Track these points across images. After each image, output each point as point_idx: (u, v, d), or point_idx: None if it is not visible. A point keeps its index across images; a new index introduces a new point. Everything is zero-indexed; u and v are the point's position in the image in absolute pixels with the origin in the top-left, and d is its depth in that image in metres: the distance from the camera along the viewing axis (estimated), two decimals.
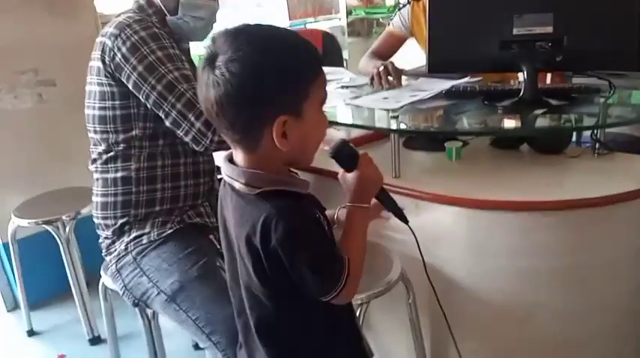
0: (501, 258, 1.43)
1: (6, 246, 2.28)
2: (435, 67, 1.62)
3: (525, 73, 1.52)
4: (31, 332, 2.28)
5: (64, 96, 2.40)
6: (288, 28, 0.93)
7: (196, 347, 2.06)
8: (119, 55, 1.35)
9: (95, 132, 1.46)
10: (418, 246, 1.14)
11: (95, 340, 2.16)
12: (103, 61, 1.38)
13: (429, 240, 1.51)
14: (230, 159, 0.93)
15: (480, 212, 1.41)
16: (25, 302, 2.28)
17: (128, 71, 1.35)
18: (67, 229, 2.08)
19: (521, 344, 1.52)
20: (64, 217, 2.07)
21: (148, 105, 1.37)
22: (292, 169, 0.97)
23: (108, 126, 1.42)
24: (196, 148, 1.39)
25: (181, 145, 1.46)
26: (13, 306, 2.47)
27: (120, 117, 1.41)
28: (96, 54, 1.41)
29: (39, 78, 2.36)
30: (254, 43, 0.82)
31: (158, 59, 1.35)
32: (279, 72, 0.82)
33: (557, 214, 1.36)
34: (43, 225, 2.07)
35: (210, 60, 0.83)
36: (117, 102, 1.40)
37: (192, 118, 1.33)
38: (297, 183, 0.91)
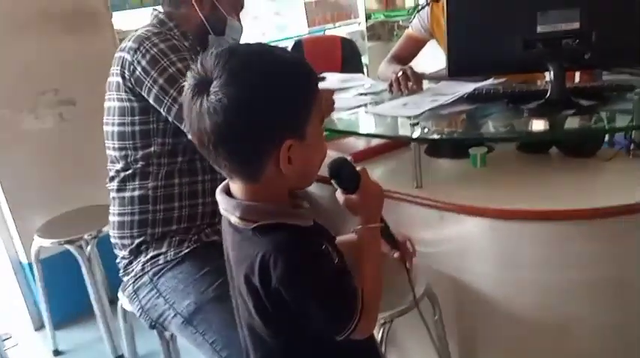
0: (532, 270, 1.35)
1: (31, 266, 2.29)
2: (455, 71, 1.55)
3: (552, 72, 1.43)
4: (57, 352, 2.28)
5: (85, 114, 2.40)
6: (278, 46, 0.88)
7: None
8: (139, 69, 1.32)
9: (114, 149, 1.43)
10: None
11: None
12: (123, 76, 1.35)
13: (455, 252, 1.45)
14: (227, 191, 0.86)
15: (509, 223, 1.33)
16: (50, 321, 2.28)
17: (149, 84, 1.32)
18: (89, 248, 2.07)
19: None
20: (85, 236, 2.06)
21: (170, 119, 1.34)
22: (296, 194, 0.91)
23: (127, 142, 1.40)
24: None
25: (200, 162, 1.43)
26: (40, 325, 2.47)
27: (139, 132, 1.38)
28: (115, 69, 1.39)
29: (59, 98, 2.36)
30: (250, 64, 0.77)
31: (179, 71, 1.31)
32: (281, 94, 0.77)
33: (591, 223, 1.27)
34: (65, 245, 2.06)
35: (202, 86, 0.75)
36: (136, 117, 1.38)
37: None
38: (298, 215, 0.84)
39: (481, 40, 1.49)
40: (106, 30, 2.52)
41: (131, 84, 1.35)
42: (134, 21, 2.81)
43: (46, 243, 2.08)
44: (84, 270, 2.06)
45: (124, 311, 1.58)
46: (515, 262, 1.36)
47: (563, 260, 1.32)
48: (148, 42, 1.33)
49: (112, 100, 1.41)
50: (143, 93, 1.34)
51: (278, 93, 0.76)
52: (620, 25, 1.41)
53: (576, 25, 1.39)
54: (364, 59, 3.73)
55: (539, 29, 1.41)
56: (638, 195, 1.26)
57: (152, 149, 1.39)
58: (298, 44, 3.11)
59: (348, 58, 3.15)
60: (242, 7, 1.56)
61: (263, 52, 0.80)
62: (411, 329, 1.57)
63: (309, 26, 3.77)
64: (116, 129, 1.41)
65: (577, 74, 1.83)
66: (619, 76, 1.72)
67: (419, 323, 1.45)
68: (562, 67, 1.43)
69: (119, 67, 1.36)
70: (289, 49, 3.10)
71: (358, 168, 0.92)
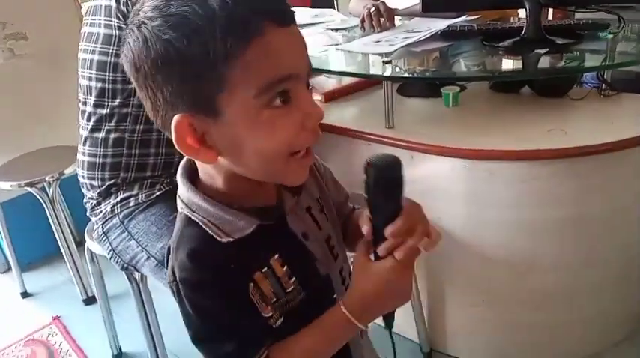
0: (501, 209, 1.37)
1: None
2: (430, 6, 1.51)
3: (527, 9, 1.40)
4: (25, 294, 2.25)
5: (37, 50, 2.27)
6: None
7: None
8: None
9: (90, 79, 1.32)
10: None
11: (89, 300, 2.12)
12: (117, 0, 1.23)
13: (425, 192, 1.45)
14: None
15: (479, 162, 1.33)
16: (16, 264, 2.24)
17: None
18: (52, 190, 2.01)
19: (521, 296, 1.48)
20: (47, 178, 1.99)
21: None
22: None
23: (107, 73, 1.29)
24: None
25: None
26: (6, 268, 2.43)
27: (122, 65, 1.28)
28: None
29: (8, 31, 2.21)
30: (158, 5, 0.55)
31: None
32: (170, 52, 0.54)
33: (560, 163, 1.29)
34: (26, 188, 1.99)
35: None
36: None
37: None
38: (220, 221, 0.63)
39: None
40: None
41: (127, 9, 1.22)
42: None
43: (6, 185, 2.00)
44: (48, 213, 2.01)
45: (92, 253, 1.56)
46: (484, 201, 1.37)
47: (532, 199, 1.34)
48: None
49: (97, 26, 1.28)
50: None
51: (171, 54, 0.54)
52: None
53: None
54: None
55: None
56: (605, 136, 1.27)
57: (133, 86, 1.29)
58: None
59: None
60: None
61: None
62: None
63: None
64: (97, 57, 1.29)
65: (550, 12, 1.80)
66: (595, 13, 1.69)
67: None
68: (538, 3, 1.39)
69: None
70: None
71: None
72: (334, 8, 3.10)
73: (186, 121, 0.57)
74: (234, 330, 0.64)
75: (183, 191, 0.66)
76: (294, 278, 0.66)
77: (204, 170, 0.65)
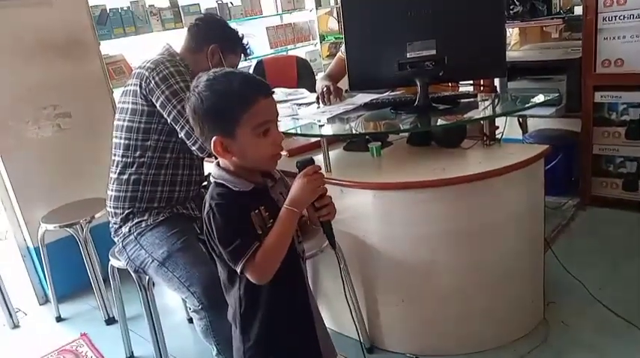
0: (402, 226, 1.90)
1: (37, 249, 2.80)
2: (354, 86, 2.12)
3: (419, 86, 2.00)
4: (59, 318, 2.79)
5: (78, 125, 2.94)
6: (241, 71, 1.22)
7: (190, 320, 2.54)
8: (153, 82, 1.86)
9: (120, 138, 1.95)
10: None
11: (110, 320, 2.66)
12: (140, 86, 1.89)
13: (352, 216, 2.00)
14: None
15: (384, 192, 1.88)
16: (54, 295, 2.79)
17: (158, 94, 1.85)
18: (85, 230, 2.58)
19: (425, 293, 1.98)
20: (81, 221, 2.58)
21: (169, 120, 1.86)
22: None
23: (132, 134, 1.92)
24: (200, 155, 1.90)
25: (182, 159, 1.96)
26: (44, 300, 2.98)
27: (142, 129, 1.91)
28: (134, 80, 1.92)
29: (57, 111, 2.89)
30: (206, 83, 1.12)
31: (180, 88, 1.85)
32: (212, 108, 1.12)
33: (439, 190, 1.82)
34: (65, 228, 2.57)
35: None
36: (143, 117, 1.91)
37: None
38: (234, 182, 1.16)
39: (370, 64, 2.05)
40: (95, 56, 3.05)
41: (145, 92, 1.88)
42: (118, 48, 3.35)
43: (50, 226, 2.59)
44: (81, 248, 2.58)
45: (112, 268, 2.11)
46: (391, 221, 1.91)
47: (423, 218, 1.87)
48: (162, 65, 1.88)
49: (127, 103, 1.94)
50: (153, 100, 1.86)
51: (211, 107, 1.11)
52: (465, 50, 1.97)
53: (433, 52, 1.95)
54: (320, 75, 4.29)
55: (408, 55, 1.96)
56: (469, 171, 1.82)
57: (149, 143, 1.91)
58: (259, 64, 3.66)
59: (303, 75, 3.69)
60: (236, 67, 2.14)
61: (219, 74, 1.13)
62: (327, 276, 2.11)
63: (271, 47, 4.34)
64: (126, 124, 1.93)
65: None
66: (521, 82, 2.30)
67: (333, 270, 2.00)
68: (425, 82, 1.99)
69: (138, 79, 1.89)
70: (251, 68, 3.65)
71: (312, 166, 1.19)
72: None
73: (219, 140, 1.13)
74: (242, 231, 1.12)
75: (216, 172, 1.19)
76: (271, 220, 1.16)
77: (225, 165, 1.19)
